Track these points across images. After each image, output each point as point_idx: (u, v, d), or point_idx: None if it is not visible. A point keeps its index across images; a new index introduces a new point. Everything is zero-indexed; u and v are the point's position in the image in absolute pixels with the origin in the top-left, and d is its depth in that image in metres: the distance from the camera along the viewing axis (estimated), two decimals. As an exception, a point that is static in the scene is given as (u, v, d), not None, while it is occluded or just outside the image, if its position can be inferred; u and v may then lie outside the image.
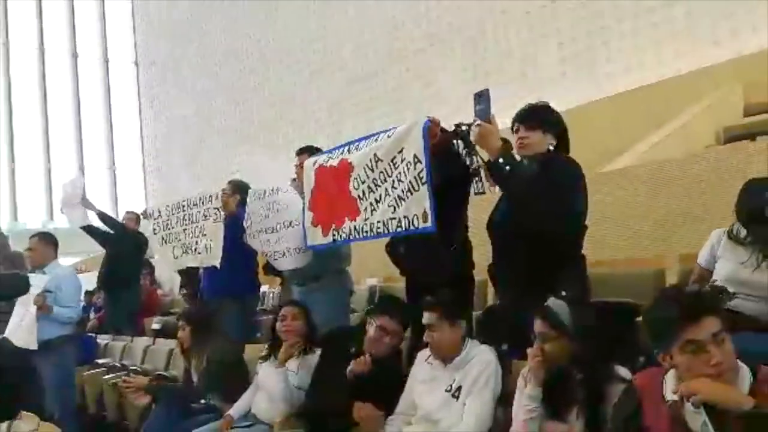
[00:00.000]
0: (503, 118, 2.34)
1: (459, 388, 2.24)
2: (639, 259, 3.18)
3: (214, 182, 4.61)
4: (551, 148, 2.41)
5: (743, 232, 2.41)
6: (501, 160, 2.23)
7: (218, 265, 3.63)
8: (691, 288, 1.75)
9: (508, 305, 2.52)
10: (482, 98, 2.29)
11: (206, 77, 15.84)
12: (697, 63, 7.40)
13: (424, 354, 2.43)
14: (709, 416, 1.37)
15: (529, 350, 2.01)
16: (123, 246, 5.61)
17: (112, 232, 5.61)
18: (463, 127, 2.51)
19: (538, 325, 2.00)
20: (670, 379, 1.52)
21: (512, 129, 2.47)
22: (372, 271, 5.23)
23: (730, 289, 2.30)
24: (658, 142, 6.20)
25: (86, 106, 20.03)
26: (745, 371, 1.44)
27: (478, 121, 2.29)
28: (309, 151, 3.42)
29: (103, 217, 5.62)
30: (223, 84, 15.40)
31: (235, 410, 3.05)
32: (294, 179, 3.56)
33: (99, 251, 6.13)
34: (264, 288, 5.52)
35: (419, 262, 2.73)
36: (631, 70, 8.16)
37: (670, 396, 1.49)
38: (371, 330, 2.55)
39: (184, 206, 3.83)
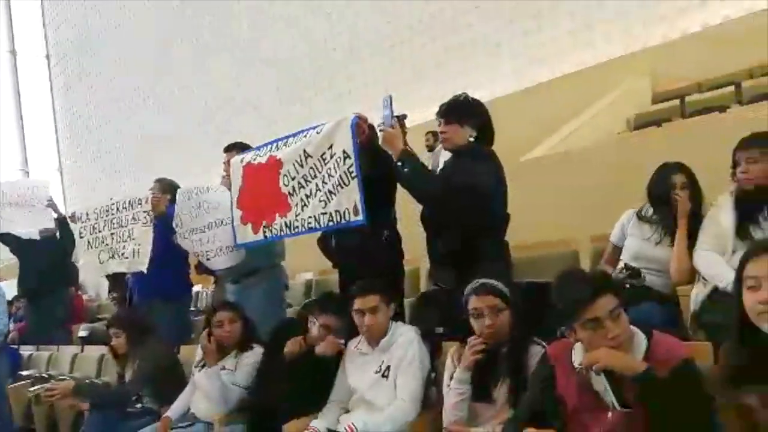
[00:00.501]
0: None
1: (388, 368, 2.35)
2: (554, 241, 3.38)
3: (135, 183, 4.48)
4: (471, 139, 2.53)
5: (650, 212, 2.63)
6: (400, 163, 2.42)
7: (145, 270, 3.56)
8: (589, 270, 1.92)
9: (441, 291, 2.63)
10: (385, 105, 2.47)
11: (124, 72, 15.09)
12: (609, 53, 7.84)
13: (353, 342, 2.52)
14: (609, 381, 1.57)
15: (471, 339, 2.04)
16: (47, 251, 5.36)
17: (31, 239, 5.33)
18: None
19: (486, 301, 2.02)
20: (577, 350, 1.69)
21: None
22: (307, 264, 5.25)
23: (637, 265, 2.54)
24: (574, 130, 6.54)
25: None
26: (640, 338, 1.63)
27: (382, 126, 2.47)
28: (237, 148, 3.41)
29: (63, 221, 5.31)
30: (142, 79, 14.73)
31: (173, 411, 3.02)
32: (224, 177, 3.54)
33: (12, 258, 5.82)
34: (197, 288, 5.44)
35: (351, 255, 2.81)
36: (548, 61, 8.50)
37: (577, 365, 1.65)
38: (314, 329, 2.57)
39: (113, 209, 3.74)
